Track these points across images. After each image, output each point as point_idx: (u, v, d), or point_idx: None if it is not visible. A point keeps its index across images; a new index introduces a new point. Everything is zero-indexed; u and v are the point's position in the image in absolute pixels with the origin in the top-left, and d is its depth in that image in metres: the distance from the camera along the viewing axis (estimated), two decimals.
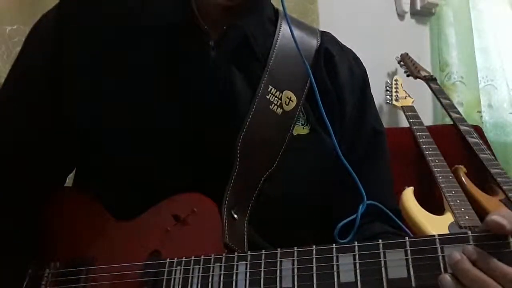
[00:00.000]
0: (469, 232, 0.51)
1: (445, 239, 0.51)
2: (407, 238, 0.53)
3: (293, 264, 0.55)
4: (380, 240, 0.54)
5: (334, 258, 0.54)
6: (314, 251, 0.55)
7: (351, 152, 0.74)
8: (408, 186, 1.56)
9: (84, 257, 0.67)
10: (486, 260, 0.49)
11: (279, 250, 0.57)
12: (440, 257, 0.51)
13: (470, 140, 1.69)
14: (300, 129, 0.73)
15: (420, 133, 1.66)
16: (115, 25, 0.72)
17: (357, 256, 0.53)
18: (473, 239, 0.50)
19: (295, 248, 0.56)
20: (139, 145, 0.69)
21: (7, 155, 0.73)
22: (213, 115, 0.70)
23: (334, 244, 0.55)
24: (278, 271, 0.55)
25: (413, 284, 0.51)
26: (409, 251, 0.52)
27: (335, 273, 0.53)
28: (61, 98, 0.72)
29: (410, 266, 0.51)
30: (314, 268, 0.54)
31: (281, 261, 0.56)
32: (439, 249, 0.51)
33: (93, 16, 0.73)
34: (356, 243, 0.54)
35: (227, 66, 0.71)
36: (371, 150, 0.79)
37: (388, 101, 1.88)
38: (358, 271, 0.53)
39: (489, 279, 0.49)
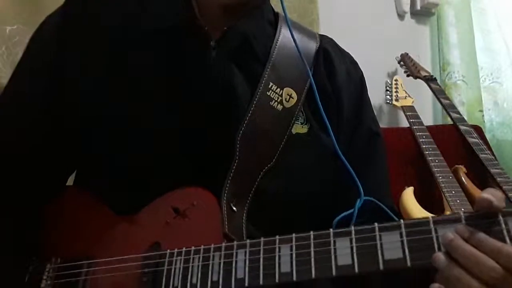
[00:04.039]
0: (461, 212, 0.52)
1: (438, 220, 0.52)
2: (401, 220, 0.54)
3: (291, 250, 0.56)
4: (376, 224, 0.54)
5: (331, 242, 0.55)
6: (311, 236, 0.56)
7: (348, 152, 0.75)
8: (408, 186, 1.56)
9: (85, 251, 0.68)
10: (477, 237, 0.50)
11: (277, 237, 0.58)
12: (434, 237, 0.52)
13: (470, 140, 1.69)
14: (300, 128, 0.73)
15: (420, 133, 1.66)
16: (117, 26, 0.73)
17: (353, 240, 0.54)
18: (465, 219, 0.51)
19: (293, 234, 0.57)
20: (139, 144, 0.70)
21: (9, 155, 0.73)
22: (214, 114, 0.70)
23: (331, 229, 0.56)
24: (276, 257, 0.56)
25: (409, 264, 0.51)
26: (404, 233, 0.53)
27: (333, 257, 0.54)
28: (64, 98, 0.72)
29: (405, 247, 0.52)
30: (312, 252, 0.55)
31: (279, 247, 0.57)
32: (433, 230, 0.52)
33: (97, 17, 0.73)
34: (352, 227, 0.55)
35: (228, 66, 0.72)
36: (367, 151, 0.80)
37: (388, 101, 1.88)
38: (355, 254, 0.53)
39: (482, 254, 0.49)
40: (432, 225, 0.52)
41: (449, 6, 2.11)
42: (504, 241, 0.49)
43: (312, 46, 0.80)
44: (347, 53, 0.85)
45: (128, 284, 0.63)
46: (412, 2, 2.11)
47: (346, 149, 0.75)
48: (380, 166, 0.83)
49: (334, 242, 0.55)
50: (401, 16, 2.10)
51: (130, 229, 0.67)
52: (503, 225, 0.49)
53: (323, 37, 0.84)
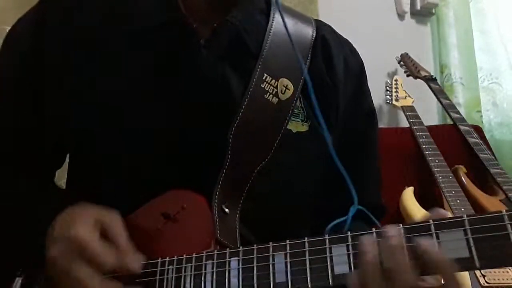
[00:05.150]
0: (465, 216, 0.49)
1: (440, 224, 0.49)
2: (401, 225, 0.51)
3: (285, 258, 0.54)
4: (374, 229, 0.52)
5: (327, 249, 0.53)
6: (306, 244, 0.54)
7: (342, 149, 0.73)
8: (408, 186, 1.56)
9: None
10: None
11: (271, 244, 0.56)
12: (435, 241, 0.49)
13: (470, 140, 1.69)
14: (300, 126, 0.71)
15: (420, 133, 1.66)
16: (99, 25, 0.70)
17: (350, 246, 0.52)
18: (468, 222, 0.48)
19: (287, 241, 0.55)
20: (131, 145, 0.68)
21: None
22: (207, 114, 0.68)
23: (326, 235, 0.54)
24: (271, 266, 0.54)
25: None
26: (403, 239, 0.50)
27: (329, 266, 0.52)
28: (44, 99, 0.71)
29: None
30: (307, 261, 0.53)
31: (273, 256, 0.55)
32: (434, 235, 0.49)
33: (75, 15, 0.71)
34: (349, 233, 0.53)
35: (219, 64, 0.69)
36: (360, 150, 0.78)
37: (388, 101, 1.88)
38: (352, 262, 0.51)
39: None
40: (433, 230, 0.49)
41: (447, 7, 2.11)
42: (509, 244, 0.46)
43: (308, 33, 0.75)
44: (346, 40, 0.82)
45: None
46: (412, 2, 2.11)
47: (340, 145, 0.73)
48: (372, 165, 0.81)
49: (330, 249, 0.53)
50: (401, 16, 2.10)
51: None
52: (510, 229, 0.46)
53: (320, 23, 0.80)
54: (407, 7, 2.09)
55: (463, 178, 1.58)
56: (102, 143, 0.69)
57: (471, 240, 0.48)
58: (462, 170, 1.60)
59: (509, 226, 0.46)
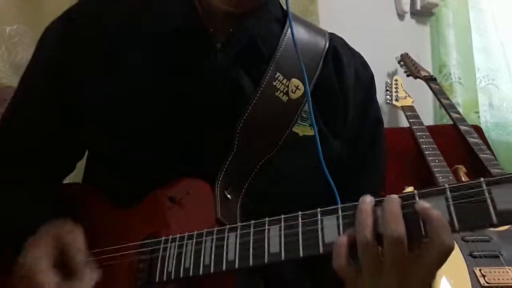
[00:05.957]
0: (447, 184, 0.52)
1: (423, 193, 0.52)
2: (387, 196, 0.53)
3: (280, 231, 0.57)
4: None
5: (319, 220, 0.55)
6: (300, 216, 0.57)
7: (349, 155, 0.75)
8: (408, 186, 1.56)
9: (87, 244, 0.68)
10: None
11: (267, 218, 0.58)
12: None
13: (470, 140, 1.69)
14: (308, 130, 0.72)
15: (420, 133, 1.66)
16: (121, 29, 0.73)
17: (340, 217, 0.55)
18: (450, 189, 0.51)
19: (282, 215, 0.58)
20: (143, 143, 0.70)
21: (14, 155, 0.77)
22: (219, 114, 0.70)
23: (318, 208, 0.56)
24: (266, 238, 0.57)
25: None
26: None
27: (320, 235, 0.55)
28: (68, 100, 0.74)
29: None
30: (300, 231, 0.56)
31: (268, 229, 0.58)
32: (418, 203, 0.52)
33: (100, 23, 0.74)
34: (339, 204, 0.56)
35: (233, 68, 0.71)
36: (367, 157, 0.80)
37: (388, 101, 1.88)
38: (341, 231, 0.54)
39: None
40: (417, 198, 0.52)
41: (446, 7, 2.11)
42: (487, 209, 0.49)
43: (320, 43, 0.78)
44: (358, 53, 0.84)
45: (126, 271, 0.64)
46: (412, 2, 2.11)
47: (347, 152, 0.75)
48: (376, 173, 0.82)
49: (322, 220, 0.55)
50: (401, 16, 2.11)
51: (129, 220, 0.69)
52: (487, 194, 0.49)
53: (332, 36, 0.82)
54: (407, 7, 2.09)
55: (463, 178, 1.58)
56: (117, 141, 0.72)
57: (451, 206, 0.51)
58: (462, 170, 1.61)
59: (486, 191, 0.49)
